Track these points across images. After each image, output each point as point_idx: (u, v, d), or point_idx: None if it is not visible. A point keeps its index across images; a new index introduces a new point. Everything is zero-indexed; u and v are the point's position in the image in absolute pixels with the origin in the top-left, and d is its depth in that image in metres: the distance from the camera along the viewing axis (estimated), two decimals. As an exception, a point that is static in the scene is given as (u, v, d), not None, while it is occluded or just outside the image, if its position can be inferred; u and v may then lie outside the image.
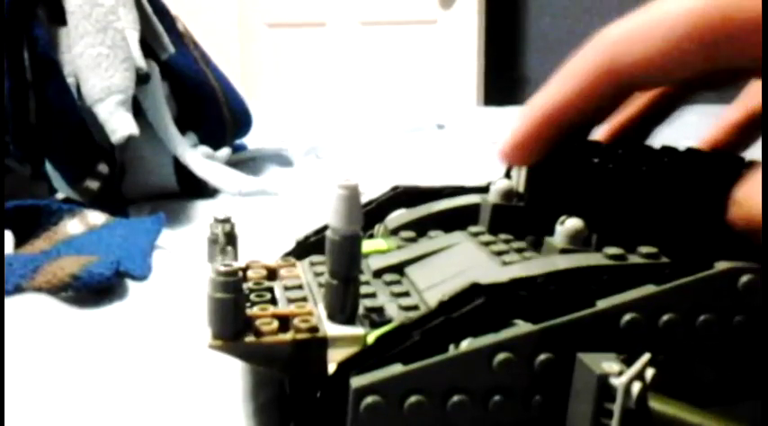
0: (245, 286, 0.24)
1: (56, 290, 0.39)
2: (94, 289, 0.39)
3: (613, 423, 0.19)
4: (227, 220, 0.27)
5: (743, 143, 0.32)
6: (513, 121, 0.27)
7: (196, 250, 0.46)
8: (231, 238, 0.26)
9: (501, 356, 0.20)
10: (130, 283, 0.42)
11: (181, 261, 0.45)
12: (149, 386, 0.30)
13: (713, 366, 0.22)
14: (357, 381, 0.19)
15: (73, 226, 0.49)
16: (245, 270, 0.26)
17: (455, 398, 0.20)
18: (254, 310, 0.22)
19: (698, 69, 0.24)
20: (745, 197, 0.22)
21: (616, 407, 0.19)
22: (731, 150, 0.31)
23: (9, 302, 0.38)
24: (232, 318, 0.21)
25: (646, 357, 0.20)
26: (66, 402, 0.29)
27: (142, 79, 0.56)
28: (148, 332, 0.36)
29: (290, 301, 0.24)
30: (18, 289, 0.40)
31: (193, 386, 0.30)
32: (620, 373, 0.19)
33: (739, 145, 0.32)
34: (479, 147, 0.75)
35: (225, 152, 0.66)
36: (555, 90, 0.26)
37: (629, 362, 0.20)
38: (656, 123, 0.31)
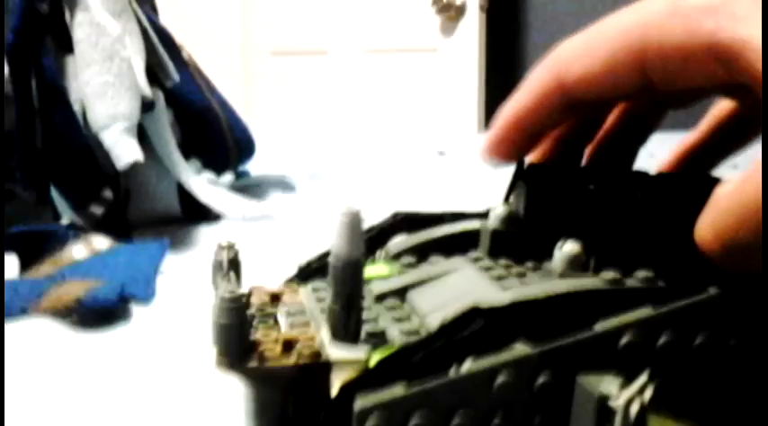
0: (249, 311, 0.25)
1: (61, 314, 0.39)
2: (99, 313, 0.39)
3: None
4: (231, 246, 0.27)
5: (700, 168, 0.32)
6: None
7: (200, 274, 0.46)
8: (235, 264, 0.26)
9: (501, 378, 0.21)
10: (135, 307, 0.42)
11: (185, 286, 0.45)
12: (153, 409, 0.30)
13: (710, 385, 0.23)
14: (361, 402, 0.20)
15: (78, 250, 0.49)
16: (248, 295, 0.26)
17: (457, 419, 0.20)
18: (259, 334, 0.22)
19: (637, 87, 0.25)
20: (701, 229, 0.23)
21: None
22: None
23: (14, 326, 0.39)
24: (236, 343, 0.21)
25: (644, 377, 0.20)
26: (70, 424, 0.29)
27: (147, 107, 0.57)
28: (152, 355, 0.36)
29: (293, 326, 0.25)
30: (23, 313, 0.40)
31: (197, 410, 0.30)
32: (619, 393, 0.20)
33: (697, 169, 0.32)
34: (480, 174, 0.75)
35: (228, 178, 0.66)
36: (515, 101, 0.28)
37: (627, 382, 0.20)
38: (637, 145, 0.32)
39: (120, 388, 0.32)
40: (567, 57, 0.26)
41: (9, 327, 0.38)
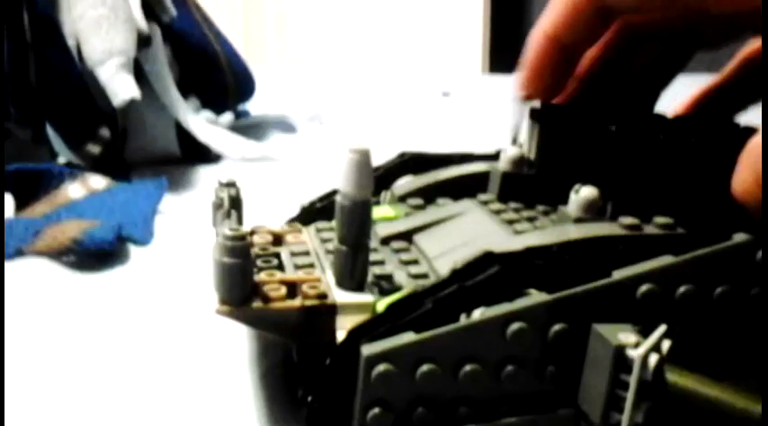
0: (252, 251, 0.24)
1: (57, 254, 0.39)
2: (96, 254, 0.39)
3: (629, 395, 0.19)
4: (232, 184, 0.26)
5: (723, 112, 0.31)
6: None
7: (198, 215, 0.45)
8: (236, 203, 0.25)
9: (514, 326, 0.20)
10: (132, 248, 0.41)
11: (183, 227, 0.44)
12: (151, 350, 0.30)
13: (730, 338, 0.22)
14: (368, 349, 0.19)
15: (74, 189, 0.48)
16: (250, 235, 0.26)
17: (467, 367, 0.20)
18: (262, 276, 0.22)
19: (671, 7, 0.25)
20: (740, 176, 0.22)
21: (632, 379, 0.19)
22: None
23: (9, 266, 0.38)
24: (240, 283, 0.20)
25: (662, 328, 0.20)
26: (67, 366, 0.29)
27: (144, 42, 0.55)
28: (150, 296, 0.35)
29: (298, 267, 0.24)
30: (18, 253, 0.39)
31: (198, 351, 0.30)
32: (637, 345, 0.19)
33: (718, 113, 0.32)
34: (485, 116, 0.74)
35: (227, 117, 0.65)
36: (547, 13, 0.28)
37: (645, 334, 0.19)
38: (661, 86, 0.31)
39: (117, 329, 0.32)
40: None
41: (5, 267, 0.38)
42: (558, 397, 0.21)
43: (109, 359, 0.29)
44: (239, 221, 0.26)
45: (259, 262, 0.24)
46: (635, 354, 0.19)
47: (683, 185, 0.24)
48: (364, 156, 0.21)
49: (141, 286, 0.37)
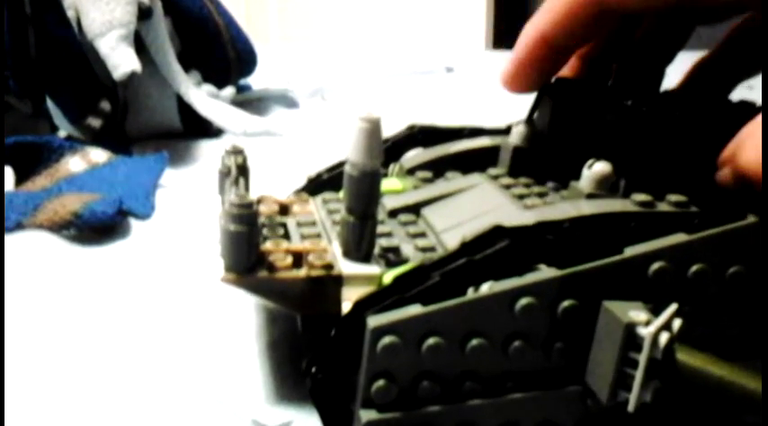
0: (258, 220, 0.24)
1: (57, 228, 0.38)
2: (97, 227, 0.38)
3: (638, 373, 0.18)
4: (239, 151, 0.26)
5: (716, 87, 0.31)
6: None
7: (200, 189, 0.45)
8: (243, 170, 0.25)
9: (523, 301, 0.19)
10: (133, 222, 0.41)
11: (184, 201, 0.44)
12: (153, 323, 0.30)
13: (741, 318, 0.22)
14: (374, 321, 0.19)
15: (75, 163, 0.48)
16: (257, 203, 0.25)
17: (474, 342, 0.19)
18: (268, 245, 0.21)
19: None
20: (746, 154, 0.22)
21: (642, 357, 0.18)
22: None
23: (9, 239, 0.38)
24: (246, 251, 0.20)
25: (673, 307, 0.19)
26: (69, 339, 0.29)
27: (144, 14, 0.55)
28: (151, 270, 0.35)
29: (304, 237, 0.23)
30: (19, 226, 0.39)
31: (201, 324, 0.29)
32: (648, 322, 0.19)
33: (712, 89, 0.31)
34: (489, 91, 0.73)
35: (229, 91, 0.64)
36: (544, 12, 0.27)
37: (656, 312, 0.19)
38: (665, 63, 0.30)
39: (119, 303, 0.32)
40: None
41: (5, 240, 0.37)
42: (565, 374, 0.20)
43: (111, 332, 0.29)
44: (247, 189, 0.25)
45: (265, 231, 0.23)
46: (645, 332, 0.18)
47: (697, 163, 0.24)
48: (374, 125, 0.20)
49: (142, 259, 0.36)
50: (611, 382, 0.19)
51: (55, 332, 0.29)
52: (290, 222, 0.25)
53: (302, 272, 0.21)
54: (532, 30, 0.27)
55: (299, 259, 0.21)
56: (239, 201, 0.19)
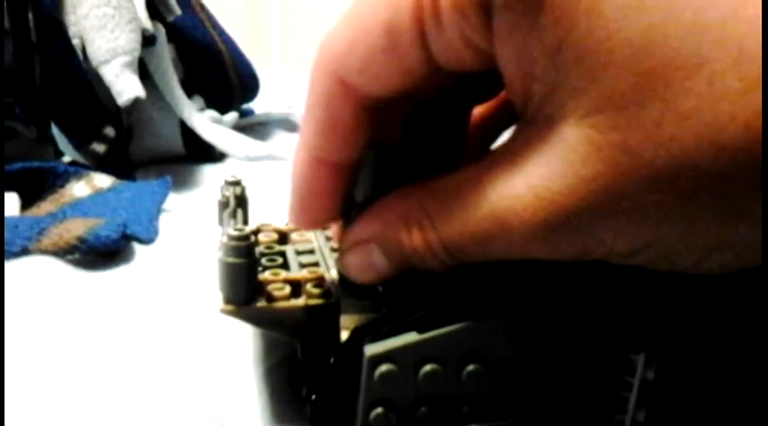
0: (257, 250, 0.24)
1: (62, 253, 0.39)
2: (101, 252, 0.39)
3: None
4: (237, 183, 0.26)
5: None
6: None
7: (203, 214, 0.46)
8: (242, 201, 0.25)
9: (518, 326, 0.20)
10: (137, 246, 0.41)
11: (187, 225, 0.44)
12: (155, 348, 0.30)
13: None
14: (371, 349, 0.19)
15: (79, 188, 0.48)
16: (255, 233, 0.26)
17: (470, 367, 0.20)
18: (266, 275, 0.22)
19: (425, 66, 0.18)
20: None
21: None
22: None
23: (15, 264, 0.38)
24: (244, 283, 0.20)
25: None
26: (72, 364, 0.29)
27: (148, 41, 0.55)
28: (155, 295, 0.35)
29: (302, 266, 0.24)
30: (24, 251, 0.39)
31: (202, 349, 0.30)
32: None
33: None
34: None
35: (232, 116, 0.65)
36: (306, 127, 0.21)
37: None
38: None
39: (122, 327, 0.32)
40: (340, 48, 0.19)
41: (10, 265, 0.38)
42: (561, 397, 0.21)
43: (113, 357, 0.29)
44: (245, 220, 0.26)
45: (264, 261, 0.24)
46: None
47: None
48: (369, 159, 0.21)
49: (146, 284, 0.37)
50: None
51: (59, 355, 0.29)
52: (289, 250, 0.25)
53: (300, 302, 0.21)
54: (301, 150, 0.21)
55: (297, 288, 0.21)
56: (237, 234, 0.20)
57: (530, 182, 0.17)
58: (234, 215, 0.24)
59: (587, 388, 0.20)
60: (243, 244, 0.20)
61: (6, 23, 0.53)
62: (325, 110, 0.20)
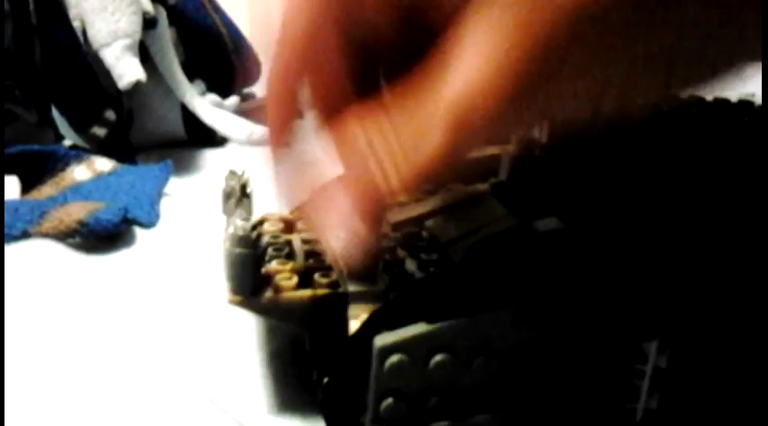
0: (263, 240, 0.24)
1: (63, 236, 0.39)
2: (102, 236, 0.39)
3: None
4: (240, 174, 0.26)
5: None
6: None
7: (204, 198, 0.45)
8: (246, 192, 0.25)
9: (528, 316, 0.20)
10: (138, 230, 0.41)
11: (188, 209, 0.44)
12: (158, 332, 0.30)
13: None
14: (381, 340, 0.19)
15: (80, 172, 0.48)
16: (261, 223, 0.25)
17: (480, 358, 0.19)
18: (273, 265, 0.21)
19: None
20: None
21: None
22: None
23: (15, 247, 0.38)
24: (251, 274, 0.20)
25: None
26: (73, 347, 0.29)
27: (149, 24, 0.55)
28: (156, 279, 0.35)
29: (309, 255, 0.24)
30: (25, 235, 0.39)
31: (203, 334, 0.30)
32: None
33: None
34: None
35: (233, 100, 0.64)
36: (280, 51, 0.20)
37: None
38: None
39: (123, 311, 0.32)
40: None
41: (10, 249, 0.38)
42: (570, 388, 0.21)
43: (113, 341, 0.29)
44: (249, 211, 0.25)
45: (270, 251, 0.23)
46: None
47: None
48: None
49: (147, 268, 0.36)
50: None
51: (60, 339, 0.29)
52: (296, 240, 0.25)
53: (308, 292, 0.21)
54: (273, 76, 0.21)
55: (304, 278, 0.21)
56: (242, 225, 0.20)
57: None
58: (239, 205, 0.24)
59: (600, 377, 0.20)
60: (248, 234, 0.20)
61: (6, 6, 0.52)
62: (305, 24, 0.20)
